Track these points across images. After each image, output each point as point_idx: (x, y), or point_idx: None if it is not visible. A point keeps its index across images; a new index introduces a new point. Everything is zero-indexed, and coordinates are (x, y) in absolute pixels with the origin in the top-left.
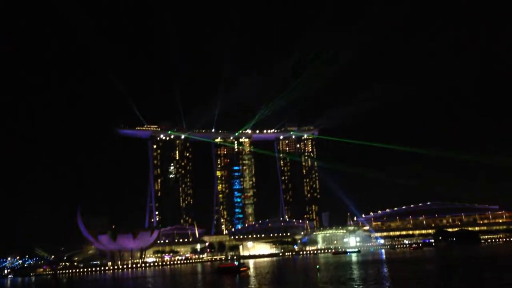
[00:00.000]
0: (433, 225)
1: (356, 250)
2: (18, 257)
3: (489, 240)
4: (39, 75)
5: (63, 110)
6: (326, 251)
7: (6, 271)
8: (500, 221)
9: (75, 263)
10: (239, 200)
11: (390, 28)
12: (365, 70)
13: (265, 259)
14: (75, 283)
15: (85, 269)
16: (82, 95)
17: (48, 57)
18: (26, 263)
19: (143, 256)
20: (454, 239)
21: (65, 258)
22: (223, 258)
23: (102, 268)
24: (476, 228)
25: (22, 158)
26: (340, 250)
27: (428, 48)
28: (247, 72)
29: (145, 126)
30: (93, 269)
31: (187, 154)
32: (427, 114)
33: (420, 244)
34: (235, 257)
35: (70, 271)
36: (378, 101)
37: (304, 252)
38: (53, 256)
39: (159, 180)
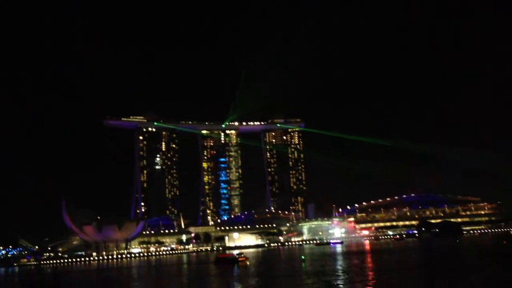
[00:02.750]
0: (416, 216)
1: (340, 241)
2: (1, 247)
3: (471, 231)
4: (25, 64)
5: (48, 100)
6: (310, 242)
7: None
8: (482, 212)
9: (60, 254)
10: (225, 191)
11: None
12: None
13: (251, 250)
14: (60, 273)
15: (70, 260)
16: (67, 85)
17: (31, 46)
18: (10, 253)
19: (129, 247)
20: (437, 230)
21: (49, 248)
22: (209, 249)
23: (87, 258)
24: (459, 220)
25: (5, 148)
26: (324, 241)
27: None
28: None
29: (131, 117)
30: (78, 259)
31: (173, 146)
32: (412, 107)
33: (404, 235)
34: (220, 248)
35: (54, 261)
36: (364, 93)
37: (289, 243)
38: (37, 247)
39: (145, 171)
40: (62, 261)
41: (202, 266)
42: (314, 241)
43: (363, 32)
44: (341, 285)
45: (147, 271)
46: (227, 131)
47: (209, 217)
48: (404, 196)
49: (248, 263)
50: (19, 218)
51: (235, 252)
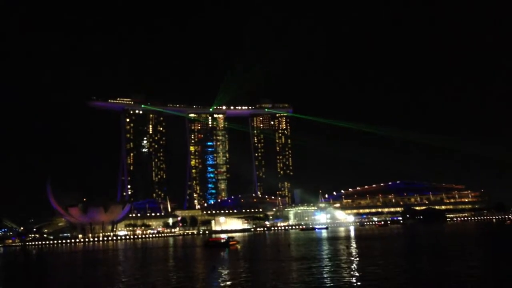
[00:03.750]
0: (401, 203)
1: (324, 226)
2: None
3: (455, 219)
4: (12, 45)
5: (33, 81)
6: (296, 227)
7: None
8: (466, 200)
9: (45, 235)
10: (212, 175)
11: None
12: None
13: (237, 234)
14: (45, 255)
15: (55, 241)
16: (53, 66)
17: (19, 28)
18: None
19: (115, 229)
20: (421, 217)
21: (34, 229)
22: (195, 233)
23: (73, 240)
24: (443, 207)
25: None
26: (310, 226)
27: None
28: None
29: (118, 99)
30: (63, 241)
31: (161, 129)
32: (401, 99)
33: (389, 222)
34: (207, 232)
35: (40, 243)
36: (354, 83)
37: (275, 228)
38: (22, 228)
39: (131, 154)
40: (47, 242)
41: (188, 250)
42: (299, 227)
43: (353, 16)
44: (327, 270)
45: (133, 253)
46: (215, 115)
47: (195, 201)
48: (390, 183)
49: (239, 247)
50: (4, 199)
51: (226, 235)
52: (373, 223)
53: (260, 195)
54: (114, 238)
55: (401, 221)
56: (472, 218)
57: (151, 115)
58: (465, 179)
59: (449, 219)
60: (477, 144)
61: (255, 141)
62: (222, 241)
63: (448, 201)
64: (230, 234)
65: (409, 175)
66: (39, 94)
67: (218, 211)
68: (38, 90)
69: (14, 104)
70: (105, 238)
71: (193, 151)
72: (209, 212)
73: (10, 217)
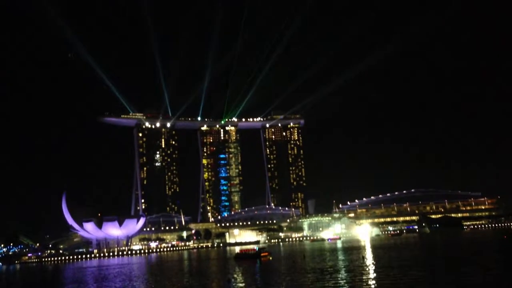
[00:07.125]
0: (417, 211)
1: (338, 237)
2: (2, 245)
3: (472, 226)
4: (25, 61)
5: (48, 97)
6: (310, 238)
7: None
8: (483, 207)
9: (61, 251)
10: (225, 188)
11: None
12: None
13: (251, 246)
14: (61, 270)
15: (71, 257)
16: (66, 82)
17: (29, 42)
18: (11, 251)
19: (129, 243)
20: (437, 225)
21: (50, 245)
22: (210, 246)
23: (88, 255)
24: (459, 215)
25: (6, 144)
26: (322, 237)
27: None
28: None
29: (130, 114)
30: (79, 256)
31: (173, 142)
32: (412, 107)
33: (404, 231)
34: (221, 245)
35: (56, 258)
36: (364, 91)
37: (290, 239)
38: (38, 244)
39: (145, 168)
40: (63, 258)
41: (203, 263)
42: (310, 238)
43: (363, 28)
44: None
45: (149, 267)
46: (227, 128)
47: (209, 214)
48: (404, 191)
49: (271, 258)
50: (20, 215)
51: (256, 247)
52: (387, 232)
53: (273, 207)
54: (129, 252)
55: (417, 230)
56: (489, 225)
57: (163, 129)
58: (481, 186)
59: (465, 227)
60: (493, 151)
61: (268, 152)
62: (253, 252)
63: (464, 208)
64: (260, 246)
65: (424, 183)
66: (54, 110)
67: (232, 224)
68: (52, 106)
69: (29, 119)
70: (120, 253)
71: (205, 164)
72: (223, 224)
73: (26, 233)
